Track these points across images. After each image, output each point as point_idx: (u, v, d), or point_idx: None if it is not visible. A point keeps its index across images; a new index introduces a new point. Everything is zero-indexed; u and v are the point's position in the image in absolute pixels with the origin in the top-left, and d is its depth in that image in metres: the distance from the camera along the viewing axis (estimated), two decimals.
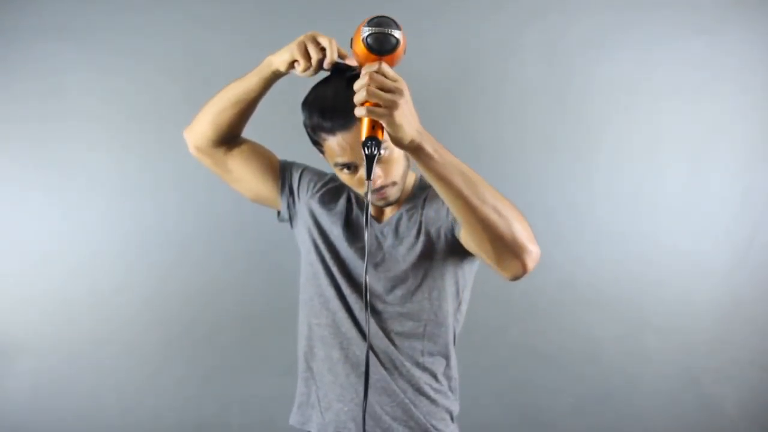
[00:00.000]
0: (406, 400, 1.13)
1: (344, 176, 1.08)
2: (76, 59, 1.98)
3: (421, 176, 1.21)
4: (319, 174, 1.27)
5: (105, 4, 1.97)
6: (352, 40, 0.86)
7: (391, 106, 0.78)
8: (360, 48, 0.83)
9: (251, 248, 2.00)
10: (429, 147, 0.84)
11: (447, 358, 1.19)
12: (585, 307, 2.02)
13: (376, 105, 0.78)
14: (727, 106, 1.98)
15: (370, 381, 1.13)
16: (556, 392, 2.03)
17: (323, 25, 1.94)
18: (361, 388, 1.13)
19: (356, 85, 0.79)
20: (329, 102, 1.00)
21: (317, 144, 1.07)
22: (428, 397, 1.15)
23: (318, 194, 1.22)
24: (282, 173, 1.25)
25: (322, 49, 1.00)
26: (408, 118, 0.81)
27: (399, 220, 1.15)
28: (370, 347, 1.13)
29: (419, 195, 1.17)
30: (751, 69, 1.98)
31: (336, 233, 1.18)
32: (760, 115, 1.99)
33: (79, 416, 2.02)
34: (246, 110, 1.15)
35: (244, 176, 1.23)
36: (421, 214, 1.14)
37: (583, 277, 2.01)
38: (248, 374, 2.02)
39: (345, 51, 1.00)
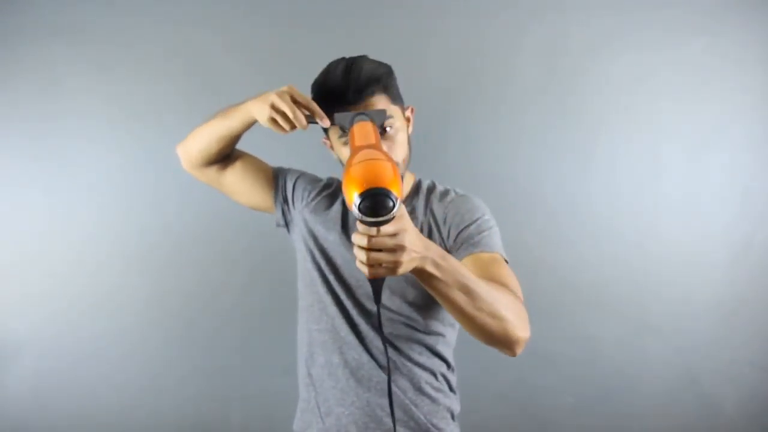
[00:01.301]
0: (407, 401, 1.14)
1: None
2: (76, 59, 1.98)
3: (420, 180, 1.22)
4: (313, 181, 1.27)
5: (105, 4, 1.97)
6: (342, 185, 0.76)
7: (395, 266, 0.76)
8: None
9: (252, 248, 2.00)
10: (431, 268, 0.81)
11: (447, 358, 1.19)
12: (585, 307, 2.02)
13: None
14: (727, 106, 1.98)
15: (370, 384, 1.13)
16: (556, 392, 2.03)
17: (321, 27, 1.94)
18: (361, 391, 1.14)
19: (355, 240, 0.76)
20: (332, 91, 1.04)
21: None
22: (429, 397, 1.16)
23: (312, 203, 1.23)
24: (276, 182, 1.26)
25: (288, 119, 1.01)
26: (411, 258, 0.77)
27: None
28: (368, 352, 1.14)
29: (416, 196, 1.18)
30: (750, 69, 1.98)
31: (332, 239, 1.18)
32: (760, 115, 1.99)
33: (79, 416, 2.02)
34: (231, 143, 1.20)
35: (238, 189, 1.25)
36: (421, 220, 1.14)
37: (583, 277, 2.01)
38: (248, 374, 2.02)
39: (313, 105, 1.01)
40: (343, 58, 1.08)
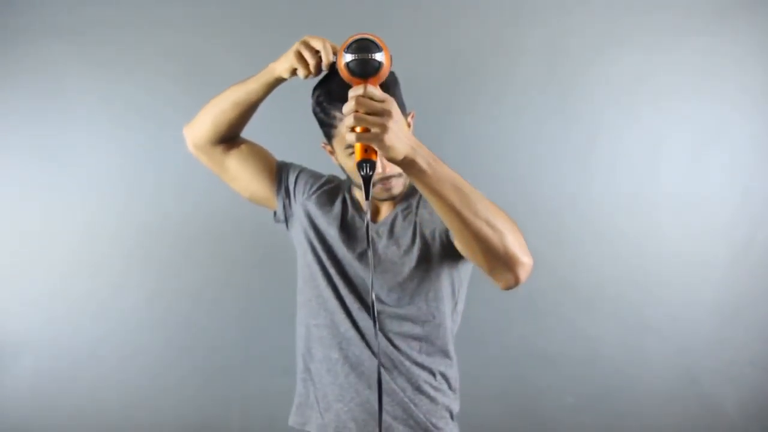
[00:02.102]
0: (406, 399, 1.14)
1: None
2: (76, 58, 1.98)
3: None
4: (315, 176, 1.27)
5: (105, 4, 1.98)
6: (336, 59, 0.85)
7: (381, 130, 0.77)
8: (344, 71, 0.82)
9: (251, 247, 2.00)
10: (422, 161, 0.83)
11: (446, 356, 1.19)
12: (585, 307, 2.02)
13: (366, 129, 0.78)
14: (727, 106, 1.99)
15: (371, 380, 1.13)
16: (556, 392, 2.03)
17: (320, 27, 1.94)
18: (362, 388, 1.14)
19: (344, 109, 0.78)
20: (336, 100, 1.02)
21: (329, 126, 1.07)
22: (428, 396, 1.16)
23: (314, 196, 1.23)
24: (278, 174, 1.26)
25: (317, 52, 1.01)
26: (399, 137, 0.79)
27: (394, 219, 1.15)
28: (369, 349, 1.14)
29: (413, 195, 1.18)
30: (750, 69, 1.98)
31: (332, 234, 1.18)
32: (759, 115, 1.99)
33: (79, 416, 2.02)
34: (246, 113, 1.17)
35: (240, 176, 1.25)
36: (416, 215, 1.14)
37: (583, 277, 2.01)
38: (248, 374, 2.02)
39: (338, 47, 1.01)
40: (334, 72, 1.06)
